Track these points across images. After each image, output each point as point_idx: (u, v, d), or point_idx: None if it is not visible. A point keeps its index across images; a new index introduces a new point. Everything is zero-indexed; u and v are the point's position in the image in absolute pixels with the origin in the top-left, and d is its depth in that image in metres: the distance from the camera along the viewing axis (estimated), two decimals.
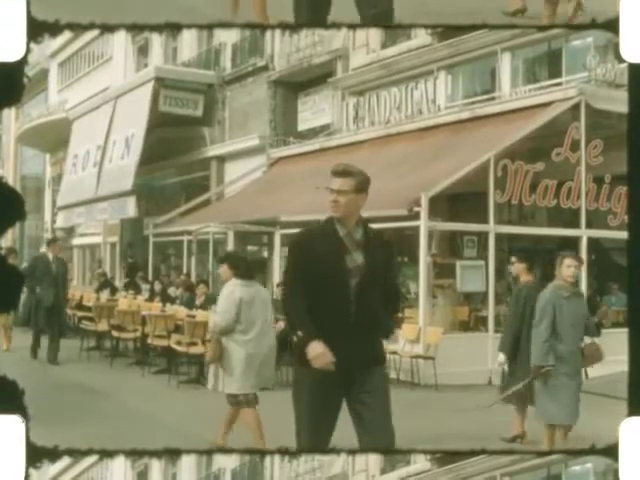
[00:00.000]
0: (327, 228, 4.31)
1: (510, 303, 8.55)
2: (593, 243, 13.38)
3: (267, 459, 4.92)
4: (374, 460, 5.00)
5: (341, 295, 4.20)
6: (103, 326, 13.84)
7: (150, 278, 19.12)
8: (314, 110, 19.96)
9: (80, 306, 16.23)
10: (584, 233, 12.90)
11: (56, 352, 12.82)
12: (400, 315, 13.62)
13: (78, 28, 4.00)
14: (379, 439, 4.27)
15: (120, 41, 26.95)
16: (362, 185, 4.28)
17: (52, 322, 12.93)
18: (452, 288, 13.12)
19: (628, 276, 4.17)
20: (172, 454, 4.50)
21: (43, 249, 34.62)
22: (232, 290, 6.92)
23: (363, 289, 4.21)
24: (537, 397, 7.12)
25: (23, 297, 15.62)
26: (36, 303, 13.00)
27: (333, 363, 4.10)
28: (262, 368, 6.90)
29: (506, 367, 8.10)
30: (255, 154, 20.38)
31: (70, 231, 30.16)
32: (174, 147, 23.05)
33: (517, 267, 8.45)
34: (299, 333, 4.23)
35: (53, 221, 31.64)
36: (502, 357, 8.08)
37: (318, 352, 4.11)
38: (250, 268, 7.28)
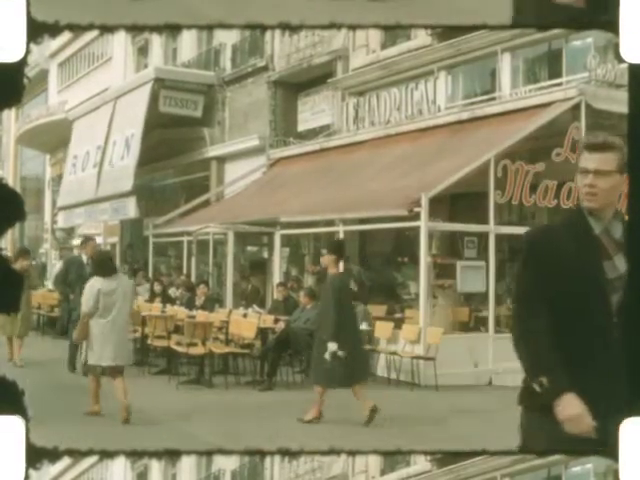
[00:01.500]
0: (576, 223, 3.20)
1: (323, 295, 8.91)
2: None
3: (267, 460, 4.92)
4: (374, 461, 4.99)
5: (599, 317, 3.09)
6: None
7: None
8: (314, 110, 19.97)
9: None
10: None
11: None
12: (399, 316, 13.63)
13: (78, 29, 4.00)
14: None
15: (120, 42, 26.98)
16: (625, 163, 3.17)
17: None
18: (452, 289, 13.11)
19: (628, 276, 4.16)
20: (172, 455, 4.49)
21: (42, 249, 34.70)
22: (92, 284, 8.70)
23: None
24: None
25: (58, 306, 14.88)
26: (69, 311, 12.19)
27: (593, 427, 3.03)
28: (117, 347, 8.56)
29: (341, 353, 8.46)
30: (255, 155, 20.39)
31: (70, 231, 30.17)
32: (174, 148, 23.06)
33: (326, 259, 8.78)
34: (543, 380, 3.07)
35: (53, 222, 31.65)
36: (334, 346, 8.46)
37: (575, 413, 3.00)
38: (110, 267, 8.89)
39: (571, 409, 3.02)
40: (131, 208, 20.98)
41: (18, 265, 11.87)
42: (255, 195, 18.56)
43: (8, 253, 18.02)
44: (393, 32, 16.96)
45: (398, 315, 13.70)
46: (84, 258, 12.37)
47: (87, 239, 13.93)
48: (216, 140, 22.32)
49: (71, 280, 12.31)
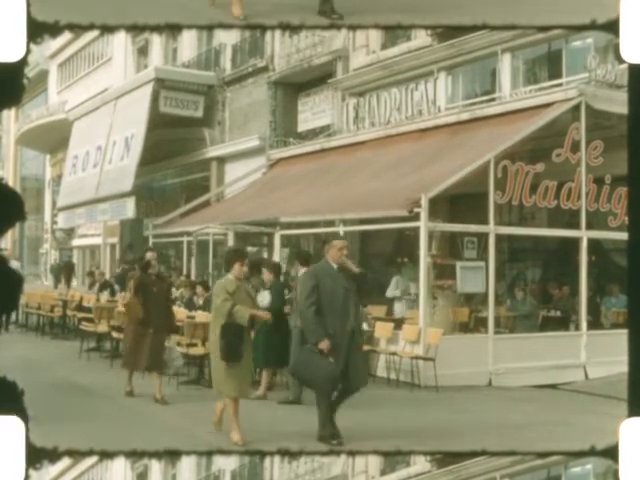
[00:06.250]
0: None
1: None
2: (593, 244, 13.37)
3: (267, 460, 4.91)
4: (374, 461, 4.99)
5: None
6: (103, 327, 13.81)
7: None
8: (314, 111, 19.97)
9: (80, 307, 16.21)
10: (584, 234, 12.89)
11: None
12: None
13: (78, 29, 4.00)
14: None
15: (120, 42, 27.00)
16: None
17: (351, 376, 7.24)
18: (452, 289, 13.10)
19: (628, 277, 4.16)
20: (172, 455, 4.49)
21: (42, 250, 34.68)
22: None
23: None
24: None
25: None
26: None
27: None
28: None
29: None
30: (255, 155, 20.39)
31: (70, 232, 30.19)
32: (174, 148, 23.06)
33: None
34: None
35: (54, 222, 31.67)
36: None
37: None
38: None
39: None
40: (130, 208, 20.99)
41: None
42: (255, 195, 18.55)
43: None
44: (393, 32, 16.96)
45: (398, 315, 13.70)
46: (334, 266, 7.87)
47: (329, 239, 8.77)
48: (216, 140, 22.33)
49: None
